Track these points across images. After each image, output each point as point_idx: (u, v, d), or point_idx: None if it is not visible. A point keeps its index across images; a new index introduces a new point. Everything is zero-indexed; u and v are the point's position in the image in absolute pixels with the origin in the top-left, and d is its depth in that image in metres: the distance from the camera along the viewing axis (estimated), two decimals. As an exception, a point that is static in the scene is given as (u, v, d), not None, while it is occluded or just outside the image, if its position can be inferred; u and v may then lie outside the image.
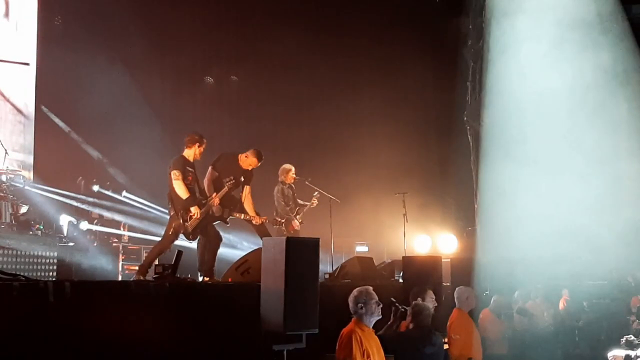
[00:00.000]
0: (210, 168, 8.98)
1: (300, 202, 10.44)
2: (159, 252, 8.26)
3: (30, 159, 11.36)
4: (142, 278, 7.76)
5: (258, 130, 14.14)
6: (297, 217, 10.30)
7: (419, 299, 6.73)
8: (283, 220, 10.14)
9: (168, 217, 8.40)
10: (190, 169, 8.22)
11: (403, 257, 9.13)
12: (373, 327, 5.57)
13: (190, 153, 8.31)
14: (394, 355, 5.84)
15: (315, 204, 10.44)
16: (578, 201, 15.76)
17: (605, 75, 15.62)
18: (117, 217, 11.60)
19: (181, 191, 8.02)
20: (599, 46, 15.11)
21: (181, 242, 8.44)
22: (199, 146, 8.32)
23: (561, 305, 12.23)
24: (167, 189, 8.22)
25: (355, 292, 5.55)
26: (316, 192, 10.49)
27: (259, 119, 14.55)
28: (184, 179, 8.07)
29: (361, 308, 5.45)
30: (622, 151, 17.27)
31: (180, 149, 8.48)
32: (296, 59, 14.11)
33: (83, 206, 11.37)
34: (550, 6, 14.93)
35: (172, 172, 8.09)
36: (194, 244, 8.70)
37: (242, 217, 8.95)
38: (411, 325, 6.30)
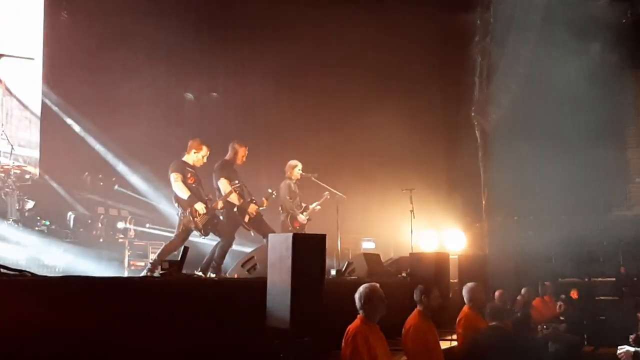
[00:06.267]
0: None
1: (304, 204, 10.41)
2: (171, 250, 8.33)
3: (36, 154, 11.35)
4: (150, 275, 7.80)
5: (265, 128, 14.15)
6: (304, 213, 10.27)
7: (423, 296, 6.69)
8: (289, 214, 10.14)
9: (175, 214, 8.50)
10: (191, 170, 8.35)
11: (410, 253, 9.09)
12: (378, 324, 5.57)
13: (190, 158, 8.48)
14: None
15: (318, 209, 10.44)
16: (586, 198, 15.72)
17: (610, 70, 15.57)
18: (123, 212, 11.60)
19: (182, 192, 8.19)
20: (603, 41, 15.07)
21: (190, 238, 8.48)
22: (195, 152, 8.45)
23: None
24: (171, 187, 8.32)
25: (361, 288, 5.55)
26: (326, 193, 10.47)
27: (263, 115, 14.54)
28: (185, 180, 8.20)
29: (366, 304, 5.44)
30: (630, 149, 17.20)
31: (183, 148, 8.56)
32: (302, 57, 14.11)
33: (89, 202, 11.39)
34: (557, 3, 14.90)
35: (170, 175, 8.23)
36: (200, 240, 8.76)
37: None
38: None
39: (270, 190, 9.41)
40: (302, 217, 10.19)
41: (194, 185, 8.32)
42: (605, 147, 15.87)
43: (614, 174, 16.54)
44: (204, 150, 8.50)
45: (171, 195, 8.54)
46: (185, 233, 8.29)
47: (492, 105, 15.28)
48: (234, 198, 8.67)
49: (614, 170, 16.57)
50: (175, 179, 8.21)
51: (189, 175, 8.30)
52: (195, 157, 8.46)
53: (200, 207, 8.16)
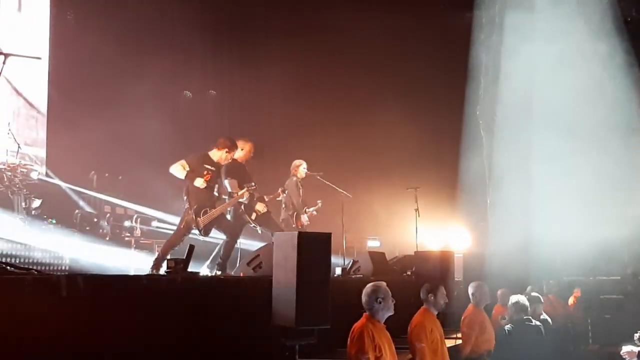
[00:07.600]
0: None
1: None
2: (172, 245, 8.33)
3: (42, 153, 11.37)
4: (155, 272, 7.81)
5: (269, 127, 14.16)
6: (305, 215, 10.29)
7: (430, 295, 6.70)
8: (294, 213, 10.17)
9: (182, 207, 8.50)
10: (209, 168, 8.31)
11: (415, 252, 9.11)
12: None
13: (216, 155, 8.43)
14: None
15: (315, 214, 10.47)
16: (592, 197, 15.69)
17: (617, 68, 15.54)
18: (130, 211, 11.63)
19: (176, 171, 8.14)
20: (609, 40, 15.02)
21: (192, 236, 8.48)
22: (227, 152, 8.44)
23: (571, 301, 12.19)
24: (180, 183, 8.32)
25: (372, 286, 5.52)
26: (319, 201, 10.50)
27: (269, 115, 14.56)
28: (195, 173, 8.16)
29: (379, 303, 5.43)
30: (638, 146, 17.16)
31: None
32: (308, 57, 14.14)
33: (95, 200, 11.41)
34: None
35: (179, 161, 8.19)
36: (206, 238, 8.78)
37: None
38: None
39: (280, 190, 9.52)
40: (305, 218, 10.22)
41: (209, 183, 8.30)
42: (612, 145, 15.83)
43: (619, 173, 16.50)
44: (234, 151, 8.53)
45: (177, 191, 8.53)
46: (186, 229, 8.28)
47: (497, 104, 15.25)
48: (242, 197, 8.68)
49: (619, 169, 16.53)
50: (176, 167, 8.18)
51: (205, 172, 8.27)
52: (225, 156, 8.46)
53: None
